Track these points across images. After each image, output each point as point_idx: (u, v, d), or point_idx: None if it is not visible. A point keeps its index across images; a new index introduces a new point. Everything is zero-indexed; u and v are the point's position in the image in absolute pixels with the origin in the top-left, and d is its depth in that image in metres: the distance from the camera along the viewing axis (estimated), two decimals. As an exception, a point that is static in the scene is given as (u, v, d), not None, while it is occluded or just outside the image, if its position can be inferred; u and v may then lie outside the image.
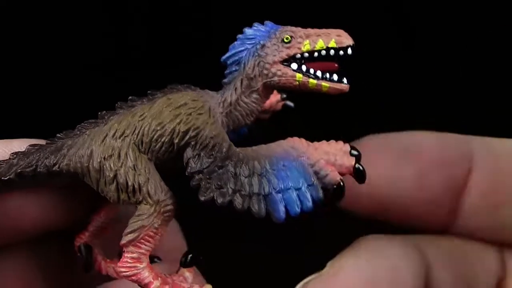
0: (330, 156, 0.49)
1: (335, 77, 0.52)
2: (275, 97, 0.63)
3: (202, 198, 0.47)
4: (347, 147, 0.50)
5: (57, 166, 0.50)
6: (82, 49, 0.60)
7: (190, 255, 0.53)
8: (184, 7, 0.63)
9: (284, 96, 0.62)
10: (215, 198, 0.47)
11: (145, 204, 0.49)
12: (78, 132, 0.52)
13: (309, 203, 0.47)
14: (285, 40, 0.52)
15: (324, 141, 0.50)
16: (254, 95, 0.53)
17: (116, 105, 0.53)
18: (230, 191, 0.47)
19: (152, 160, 0.51)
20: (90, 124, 0.52)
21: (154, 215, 0.49)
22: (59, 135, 0.52)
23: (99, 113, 0.53)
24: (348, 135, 0.54)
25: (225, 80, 0.55)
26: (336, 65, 0.53)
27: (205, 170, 0.49)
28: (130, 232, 0.49)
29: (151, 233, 0.49)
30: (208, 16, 0.63)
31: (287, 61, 0.52)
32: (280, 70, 0.52)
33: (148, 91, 0.54)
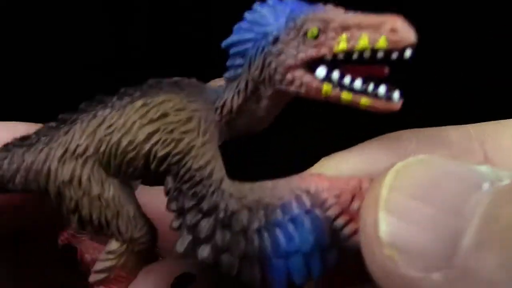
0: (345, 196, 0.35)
1: (381, 89, 0.35)
2: None
3: (181, 249, 0.37)
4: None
5: (11, 183, 0.40)
6: (81, 49, 0.54)
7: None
8: (184, 7, 0.54)
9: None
10: (196, 253, 0.36)
11: (116, 240, 0.39)
12: (35, 138, 0.40)
13: (320, 271, 0.35)
14: (310, 35, 0.35)
15: (335, 179, 0.36)
16: (264, 102, 0.38)
17: (81, 106, 0.40)
18: (217, 247, 0.36)
19: (125, 181, 0.40)
20: (49, 129, 0.40)
21: (126, 255, 0.39)
22: (14, 142, 0.41)
23: (60, 115, 0.40)
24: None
25: (227, 75, 0.39)
26: (385, 70, 0.36)
27: (187, 215, 0.37)
28: (99, 272, 0.40)
29: (124, 274, 0.40)
30: (208, 16, 0.54)
31: (311, 64, 0.36)
32: (299, 78, 0.36)
33: (121, 89, 0.39)
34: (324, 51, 0.35)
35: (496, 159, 0.35)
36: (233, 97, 0.38)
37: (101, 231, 0.39)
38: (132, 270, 0.40)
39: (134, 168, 0.38)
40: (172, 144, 0.37)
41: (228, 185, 0.37)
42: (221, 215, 0.36)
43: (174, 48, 0.56)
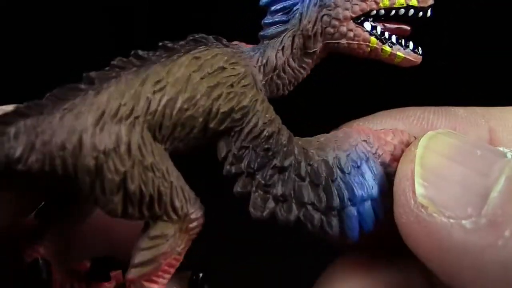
0: (389, 145, 0.38)
1: (411, 45, 0.39)
2: None
3: (258, 214, 0.33)
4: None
5: (21, 164, 0.30)
6: (81, 49, 0.50)
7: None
8: (184, 7, 0.53)
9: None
10: (278, 214, 0.33)
11: (165, 221, 0.33)
12: (50, 104, 0.31)
13: (382, 216, 0.36)
14: None
15: (379, 130, 0.38)
16: (307, 59, 0.38)
17: (112, 62, 0.33)
18: (298, 204, 0.33)
19: (168, 150, 0.34)
20: (70, 91, 0.32)
21: (178, 236, 0.33)
22: (17, 110, 0.31)
23: (84, 74, 0.32)
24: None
25: (265, 33, 0.38)
26: (409, 28, 0.40)
27: (258, 173, 0.34)
28: (143, 264, 0.33)
29: (173, 262, 0.34)
30: (208, 17, 0.54)
31: (359, 19, 0.38)
32: (351, 30, 0.37)
33: (160, 43, 0.34)
34: (372, 5, 0.37)
35: (500, 137, 0.40)
36: (276, 54, 0.37)
37: (150, 211, 0.32)
38: (181, 254, 0.34)
39: (189, 129, 0.33)
40: (236, 99, 0.34)
41: (296, 139, 0.36)
42: (299, 169, 0.34)
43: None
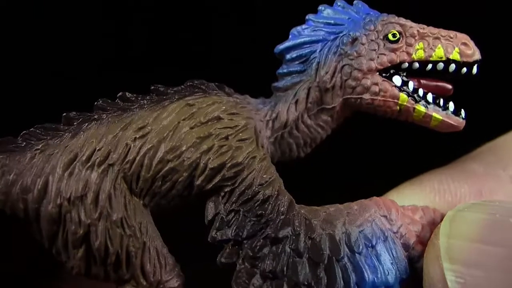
0: (416, 225, 0.32)
1: (451, 106, 0.33)
2: None
3: None
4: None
5: None
6: (81, 50, 0.49)
7: None
8: (183, 40, 0.51)
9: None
10: None
11: (133, 286, 0.28)
12: (23, 144, 0.29)
13: None
14: (391, 38, 0.32)
15: (407, 207, 0.32)
16: (324, 116, 0.33)
17: (96, 103, 0.30)
18: (291, 284, 0.27)
19: (149, 207, 0.30)
20: (45, 131, 0.29)
21: None
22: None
23: (64, 114, 0.30)
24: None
25: (278, 84, 0.34)
26: (451, 87, 0.34)
27: (246, 242, 0.28)
28: None
29: None
30: (208, 50, 0.50)
31: (387, 71, 0.33)
32: (376, 84, 0.32)
33: (153, 86, 0.31)
34: (403, 56, 0.32)
35: None
36: (288, 109, 0.33)
37: (115, 273, 0.28)
38: None
39: (171, 184, 0.29)
40: (229, 154, 0.30)
41: (298, 207, 0.30)
42: (297, 242, 0.28)
43: (174, 49, 0.50)
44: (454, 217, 0.30)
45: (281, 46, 0.33)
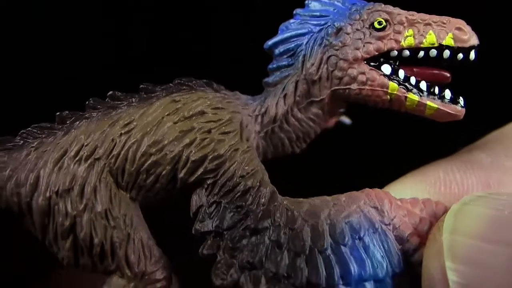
0: (413, 217, 0.30)
1: (447, 94, 0.31)
2: None
3: (219, 282, 0.27)
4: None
5: None
6: (81, 50, 0.51)
7: None
8: (185, 11, 0.52)
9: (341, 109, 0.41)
10: (241, 284, 0.27)
11: (119, 277, 0.29)
12: (21, 142, 0.31)
13: None
14: (377, 26, 0.31)
15: (405, 199, 0.31)
16: (314, 109, 0.33)
17: (87, 103, 0.32)
18: (269, 276, 0.27)
19: (137, 200, 0.30)
20: (42, 130, 0.31)
21: None
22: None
23: (58, 113, 0.31)
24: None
25: (268, 80, 0.34)
26: (448, 75, 0.32)
27: (227, 233, 0.28)
28: None
29: None
30: (208, 50, 0.51)
31: (376, 60, 0.32)
32: (363, 73, 0.31)
33: (142, 85, 0.32)
34: (391, 44, 0.31)
35: None
36: (277, 103, 0.33)
37: (101, 263, 0.29)
38: None
39: (155, 178, 0.30)
40: (211, 146, 0.30)
41: (281, 198, 0.30)
42: (277, 233, 0.28)
43: (174, 49, 0.52)
44: (459, 211, 0.28)
45: (269, 42, 0.34)
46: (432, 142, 0.36)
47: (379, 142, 0.46)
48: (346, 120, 0.42)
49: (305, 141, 0.33)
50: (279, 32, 0.34)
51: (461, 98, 0.32)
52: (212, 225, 0.29)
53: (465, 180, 0.32)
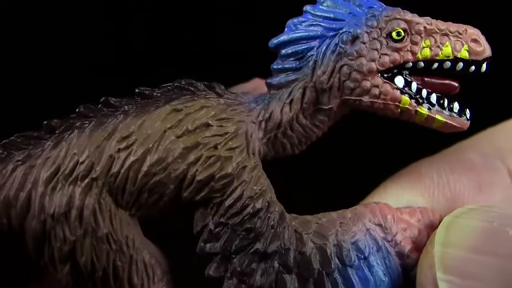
0: (412, 229, 0.31)
1: (456, 107, 0.31)
2: None
3: None
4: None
5: None
6: (80, 50, 0.48)
7: None
8: (185, 11, 0.50)
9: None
10: None
11: None
12: (4, 154, 0.28)
13: None
14: (395, 37, 0.30)
15: (404, 209, 0.31)
16: (321, 117, 0.31)
17: (78, 109, 0.29)
18: None
19: (136, 216, 0.29)
20: (27, 140, 0.28)
21: None
22: None
23: (45, 122, 0.28)
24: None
25: (272, 81, 0.31)
26: (457, 85, 0.32)
27: (235, 258, 0.28)
28: None
29: None
30: (210, 50, 0.48)
31: (388, 72, 0.30)
32: (377, 86, 0.30)
33: (137, 89, 0.29)
34: (407, 56, 0.30)
35: None
36: (282, 109, 0.31)
37: (104, 286, 0.28)
38: None
39: (158, 197, 0.28)
40: (218, 164, 0.28)
41: (289, 218, 0.29)
42: (286, 257, 0.28)
43: (174, 49, 0.50)
44: (450, 224, 0.28)
45: (275, 40, 0.31)
46: (425, 136, 0.36)
47: (374, 137, 0.46)
48: None
49: (306, 144, 0.32)
50: (286, 29, 0.31)
51: (467, 110, 0.31)
52: (219, 247, 0.28)
53: (457, 183, 0.33)
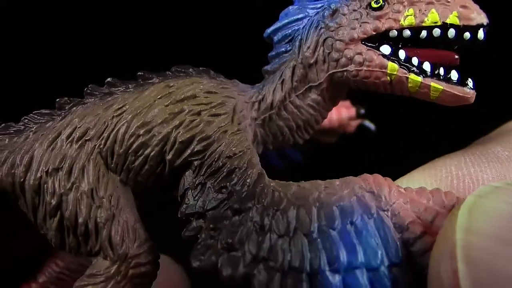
0: (417, 205, 0.27)
1: (454, 75, 0.29)
2: (346, 110, 0.41)
3: (196, 264, 0.26)
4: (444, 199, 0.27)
5: None
6: (80, 49, 0.52)
7: None
8: (185, 11, 0.53)
9: (362, 110, 0.40)
10: (219, 266, 0.25)
11: (103, 259, 0.28)
12: (22, 127, 0.32)
13: None
14: (374, 5, 0.30)
15: (411, 188, 0.28)
16: (313, 95, 0.31)
17: (86, 89, 0.32)
18: (249, 257, 0.25)
19: (129, 185, 0.30)
20: (42, 115, 0.32)
21: (115, 279, 0.28)
22: (2, 125, 0.32)
23: (57, 100, 0.32)
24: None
25: (268, 68, 0.33)
26: (456, 56, 0.30)
27: (209, 213, 0.27)
28: None
29: None
30: (213, 41, 0.52)
31: (374, 41, 0.30)
32: (360, 53, 0.30)
33: (139, 72, 0.33)
34: (390, 23, 0.30)
35: None
36: (274, 89, 0.32)
37: (86, 243, 0.28)
38: None
39: (143, 160, 0.30)
40: (199, 127, 0.29)
41: (269, 180, 0.28)
42: (260, 214, 0.27)
43: (174, 49, 0.53)
44: (473, 205, 0.24)
45: (268, 30, 0.33)
46: (444, 135, 0.33)
47: (388, 136, 0.43)
48: (370, 125, 0.40)
49: (307, 130, 0.32)
50: (279, 19, 0.33)
51: (469, 79, 0.29)
52: (196, 207, 0.28)
53: (479, 175, 0.29)
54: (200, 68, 0.33)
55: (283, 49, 0.32)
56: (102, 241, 0.28)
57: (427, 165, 0.31)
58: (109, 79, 0.32)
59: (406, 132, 0.42)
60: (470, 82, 0.29)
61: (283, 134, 0.32)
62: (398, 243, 0.26)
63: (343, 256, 0.25)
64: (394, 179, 0.32)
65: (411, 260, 0.26)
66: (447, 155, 0.31)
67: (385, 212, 0.27)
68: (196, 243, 0.27)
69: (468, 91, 0.29)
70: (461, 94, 0.29)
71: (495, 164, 0.29)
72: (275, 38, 0.33)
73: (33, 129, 0.31)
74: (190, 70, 0.32)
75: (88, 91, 0.32)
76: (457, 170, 0.30)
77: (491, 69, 0.31)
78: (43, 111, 0.32)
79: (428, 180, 0.30)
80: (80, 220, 0.28)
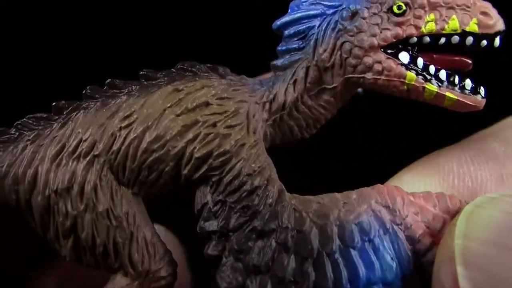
0: (426, 214, 0.29)
1: (468, 84, 0.29)
2: None
3: (224, 286, 0.27)
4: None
5: None
6: (80, 49, 0.50)
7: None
8: (185, 11, 0.51)
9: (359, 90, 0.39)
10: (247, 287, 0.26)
11: (123, 275, 0.28)
12: (16, 134, 0.29)
13: None
14: (396, 10, 0.29)
15: (418, 194, 0.29)
16: (326, 97, 0.31)
17: (85, 92, 0.30)
18: (276, 280, 0.27)
19: (140, 195, 0.29)
20: (38, 121, 0.29)
21: None
22: None
23: (54, 103, 0.30)
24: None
25: (277, 63, 0.31)
26: (470, 62, 0.30)
27: (232, 234, 0.27)
28: None
29: None
30: (214, 38, 0.50)
31: (393, 47, 0.29)
32: (380, 62, 0.29)
33: (142, 72, 0.30)
34: (411, 30, 0.29)
35: None
36: (286, 89, 0.31)
37: (105, 262, 0.28)
38: None
39: (158, 174, 0.28)
40: (216, 141, 0.28)
41: (289, 197, 0.28)
42: (284, 235, 0.27)
43: (174, 49, 0.51)
44: (471, 214, 0.26)
45: (278, 22, 0.31)
46: (444, 135, 0.34)
47: (388, 128, 0.44)
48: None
49: (315, 127, 0.32)
50: (289, 11, 0.31)
51: (482, 88, 0.30)
52: (217, 225, 0.28)
53: (478, 173, 0.31)
54: (207, 65, 0.31)
55: (295, 45, 0.30)
56: (122, 260, 0.28)
57: (430, 159, 0.32)
58: (109, 80, 0.30)
59: (407, 130, 0.43)
60: (482, 91, 0.29)
61: (292, 131, 0.31)
62: (410, 254, 0.28)
63: (362, 273, 0.27)
64: (396, 166, 0.33)
65: (420, 270, 0.28)
66: (449, 149, 0.32)
67: (399, 226, 0.28)
68: (221, 263, 0.27)
69: (480, 100, 0.29)
70: (473, 104, 0.29)
71: (492, 161, 0.31)
72: (286, 32, 0.31)
73: (30, 137, 0.29)
74: (197, 68, 0.30)
75: (88, 93, 0.30)
76: (459, 169, 0.31)
77: (491, 69, 0.31)
78: (38, 115, 0.30)
79: (432, 179, 0.31)
80: (98, 241, 0.28)
